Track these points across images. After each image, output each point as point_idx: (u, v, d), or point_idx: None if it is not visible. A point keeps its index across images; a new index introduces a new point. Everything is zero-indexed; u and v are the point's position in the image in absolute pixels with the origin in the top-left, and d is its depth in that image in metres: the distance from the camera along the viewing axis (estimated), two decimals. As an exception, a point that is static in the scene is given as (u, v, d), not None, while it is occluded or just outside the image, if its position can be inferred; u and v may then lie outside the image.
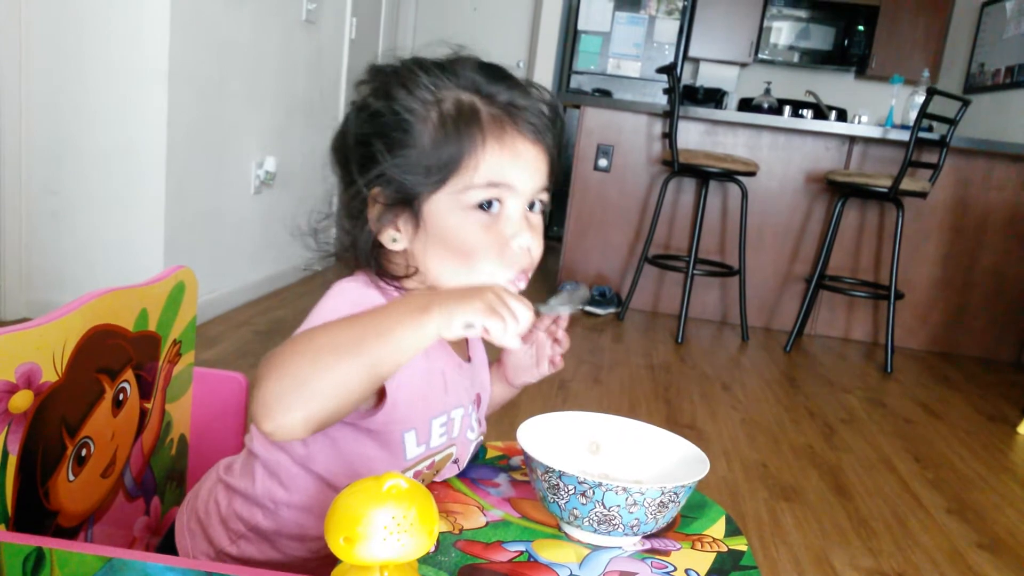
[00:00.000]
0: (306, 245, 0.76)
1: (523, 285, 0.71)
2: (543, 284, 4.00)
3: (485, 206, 0.69)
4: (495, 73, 0.71)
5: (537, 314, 0.70)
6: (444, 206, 0.69)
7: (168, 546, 0.81)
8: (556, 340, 0.85)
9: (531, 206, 0.72)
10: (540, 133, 0.70)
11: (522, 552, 0.67)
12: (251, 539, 0.76)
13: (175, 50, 2.30)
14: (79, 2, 2.26)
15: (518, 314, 0.60)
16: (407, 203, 0.69)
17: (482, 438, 0.85)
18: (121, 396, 0.79)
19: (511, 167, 0.68)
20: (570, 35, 5.66)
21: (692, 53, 5.57)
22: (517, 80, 0.72)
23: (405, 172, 0.68)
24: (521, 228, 0.70)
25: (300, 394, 0.58)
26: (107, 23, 2.27)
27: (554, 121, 0.72)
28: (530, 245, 0.70)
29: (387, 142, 0.69)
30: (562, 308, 0.76)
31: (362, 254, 0.72)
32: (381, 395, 0.69)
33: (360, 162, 0.70)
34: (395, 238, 0.71)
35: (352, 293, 0.70)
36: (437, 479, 0.79)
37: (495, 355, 0.90)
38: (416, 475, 0.75)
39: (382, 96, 0.70)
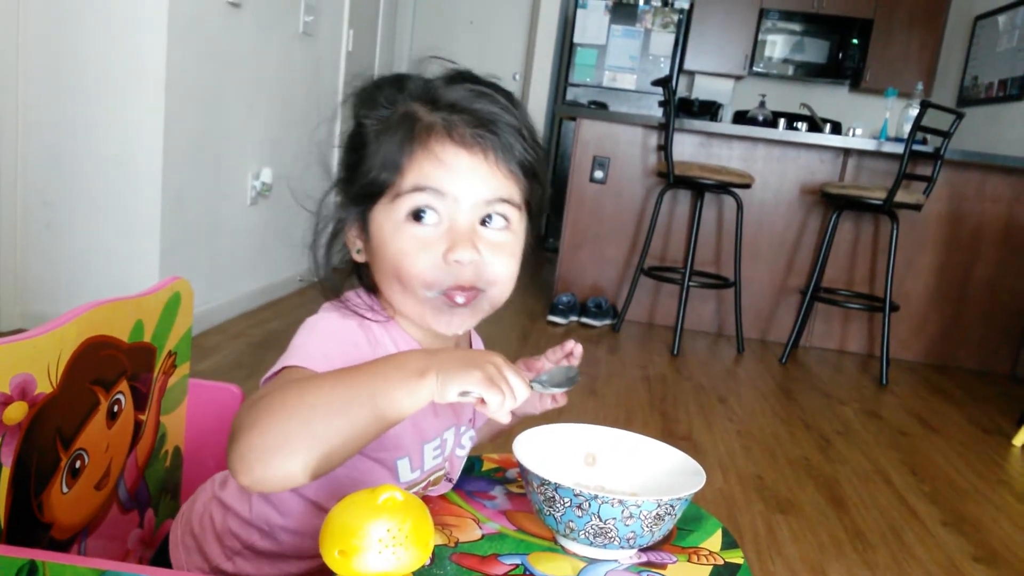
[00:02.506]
0: (308, 260, 0.76)
1: (462, 300, 0.67)
2: (539, 296, 4.00)
3: (417, 216, 0.67)
4: (452, 78, 0.70)
5: (539, 390, 0.70)
6: (382, 217, 0.68)
7: (161, 559, 0.81)
8: None
9: (487, 221, 0.68)
10: (483, 140, 0.66)
11: (518, 565, 0.67)
12: (247, 556, 0.75)
13: (172, 61, 2.31)
14: (76, 13, 2.26)
15: (515, 389, 0.59)
16: (361, 214, 0.70)
17: (472, 443, 0.84)
18: (116, 407, 0.79)
19: (438, 173, 0.66)
20: (566, 48, 5.68)
21: (687, 66, 5.60)
22: (473, 85, 0.69)
23: (354, 185, 0.70)
24: (459, 240, 0.66)
25: (282, 451, 0.55)
26: (104, 34, 2.28)
27: (518, 131, 0.68)
28: (472, 259, 0.66)
29: (350, 160, 0.71)
30: (554, 388, 0.75)
31: (326, 271, 0.73)
32: None
33: (338, 178, 0.73)
34: (359, 248, 0.73)
35: (328, 325, 0.69)
36: (431, 494, 0.79)
37: None
38: None
39: (353, 116, 0.72)
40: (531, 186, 0.71)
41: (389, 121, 0.68)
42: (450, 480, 0.80)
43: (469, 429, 0.81)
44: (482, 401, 0.58)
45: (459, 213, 0.67)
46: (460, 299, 0.67)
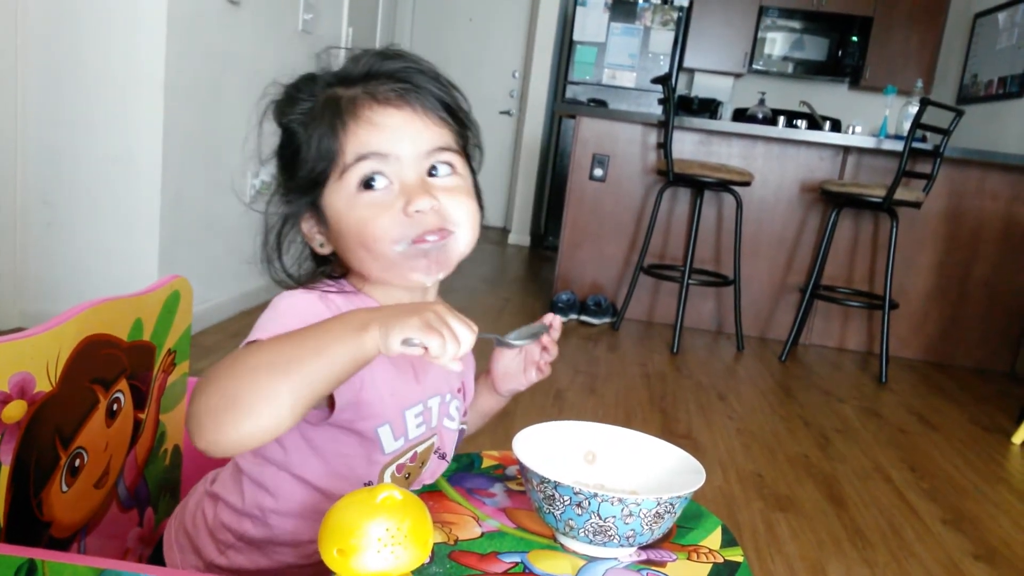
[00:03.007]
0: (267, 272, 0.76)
1: (434, 238, 0.69)
2: (539, 294, 4.01)
3: (368, 184, 0.69)
4: (355, 57, 0.73)
5: (500, 345, 0.70)
6: (334, 197, 0.70)
7: (157, 559, 0.81)
8: (545, 348, 0.85)
9: (432, 172, 0.71)
10: (406, 93, 0.69)
11: (517, 563, 0.67)
12: (240, 549, 0.75)
13: (171, 59, 2.31)
14: (75, 11, 2.26)
15: (459, 334, 0.59)
16: (314, 207, 0.72)
17: (465, 427, 0.84)
18: (115, 406, 0.79)
19: (375, 137, 0.68)
20: (565, 46, 5.68)
21: (687, 64, 5.60)
22: (373, 52, 0.72)
23: (296, 179, 0.71)
24: (414, 192, 0.68)
25: (232, 412, 0.57)
26: (103, 32, 2.27)
27: (433, 76, 0.71)
28: (431, 205, 0.68)
29: (285, 159, 0.73)
30: (519, 342, 0.75)
31: (282, 267, 0.74)
32: (331, 399, 0.69)
33: (279, 180, 0.75)
34: (321, 242, 0.74)
35: (290, 301, 0.70)
36: (426, 476, 0.79)
37: (484, 365, 0.90)
38: (400, 468, 0.75)
39: (276, 122, 0.74)
40: (462, 130, 0.74)
41: (313, 111, 0.71)
42: (442, 456, 0.80)
43: (456, 399, 0.81)
44: (426, 349, 0.58)
45: (405, 170, 0.69)
46: (432, 238, 0.69)
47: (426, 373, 0.76)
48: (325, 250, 0.74)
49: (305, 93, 0.72)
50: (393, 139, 0.69)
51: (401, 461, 0.75)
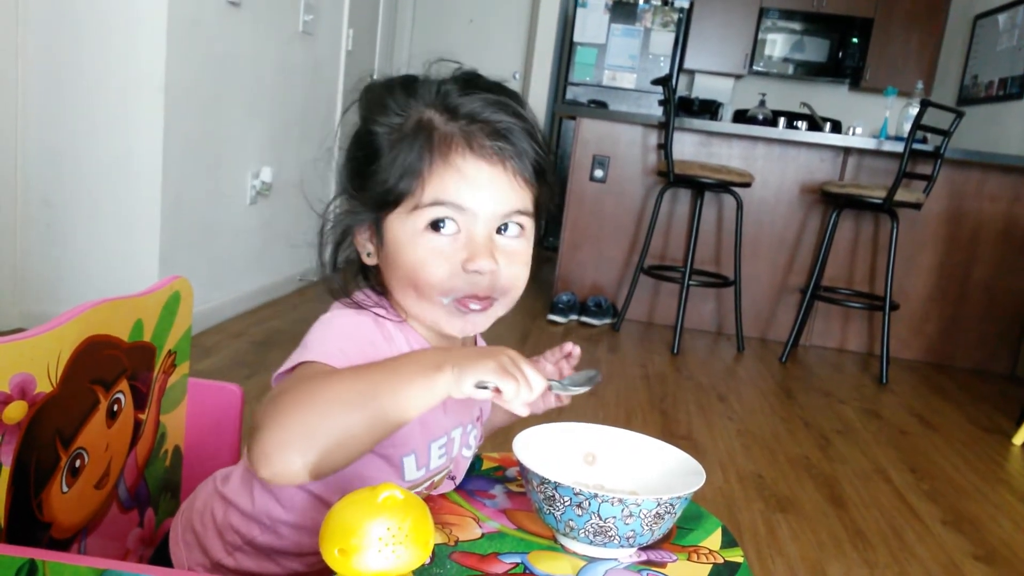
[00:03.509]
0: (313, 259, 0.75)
1: (477, 308, 0.69)
2: (539, 295, 4.00)
3: (436, 226, 0.67)
4: (466, 84, 0.70)
5: (558, 391, 0.71)
6: (398, 226, 0.69)
7: (161, 557, 0.81)
8: (563, 374, 0.84)
9: (502, 229, 0.69)
10: (502, 151, 0.67)
11: (518, 564, 0.67)
12: (248, 552, 0.75)
13: (172, 61, 2.31)
14: (76, 14, 2.26)
15: (531, 380, 0.59)
16: (375, 220, 0.70)
17: (478, 442, 0.85)
18: (115, 407, 0.79)
19: (459, 187, 0.66)
20: (566, 47, 5.68)
21: (687, 65, 5.60)
22: (488, 92, 0.69)
23: (368, 192, 0.69)
24: (478, 251, 0.67)
25: (304, 445, 0.56)
26: (104, 34, 2.28)
27: (531, 135, 0.69)
28: (490, 269, 0.67)
29: (359, 163, 0.70)
30: (576, 389, 0.74)
31: (332, 272, 0.73)
32: None
33: (346, 181, 0.73)
34: (369, 252, 0.73)
35: (344, 322, 0.70)
36: (434, 494, 0.79)
37: None
38: None
39: (361, 119, 0.71)
40: (542, 189, 0.72)
41: (403, 129, 0.68)
42: (453, 479, 0.80)
43: (475, 428, 0.81)
44: (498, 391, 0.59)
45: (478, 224, 0.67)
46: (475, 307, 0.69)
47: (453, 406, 0.76)
48: (371, 261, 0.73)
49: (399, 104, 0.69)
50: (476, 195, 0.67)
51: (417, 490, 0.75)
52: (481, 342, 0.85)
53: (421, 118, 0.68)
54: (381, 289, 0.74)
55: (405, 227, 0.68)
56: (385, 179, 0.68)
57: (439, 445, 0.74)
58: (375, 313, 0.71)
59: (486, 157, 0.67)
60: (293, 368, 0.65)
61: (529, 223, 0.71)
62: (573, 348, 0.84)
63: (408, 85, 0.70)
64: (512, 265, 0.70)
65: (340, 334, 0.68)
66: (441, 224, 0.67)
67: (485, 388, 0.59)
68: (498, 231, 0.69)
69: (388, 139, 0.68)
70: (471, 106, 0.68)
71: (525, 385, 0.59)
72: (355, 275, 0.76)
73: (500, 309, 0.72)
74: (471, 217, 0.67)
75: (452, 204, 0.66)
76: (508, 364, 0.59)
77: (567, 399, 0.84)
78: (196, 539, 0.78)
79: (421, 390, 0.59)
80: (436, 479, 0.77)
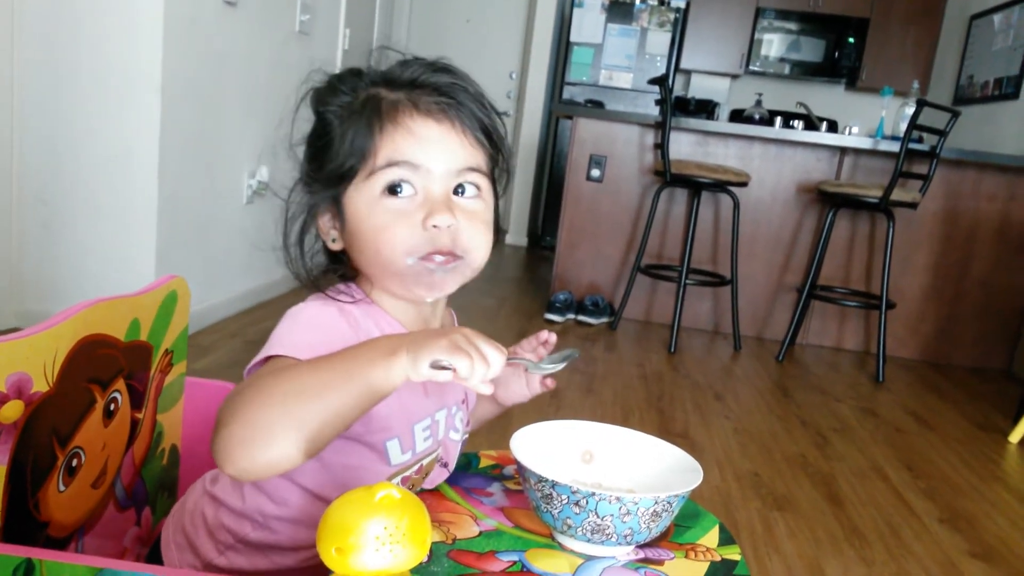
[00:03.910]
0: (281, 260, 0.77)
1: (441, 260, 0.69)
2: (536, 294, 4.01)
3: (393, 190, 0.69)
4: (407, 61, 0.73)
5: (532, 371, 0.70)
6: (357, 197, 0.70)
7: (154, 558, 0.81)
8: None
9: (459, 190, 0.71)
10: (448, 107, 0.69)
11: (515, 562, 0.67)
12: (240, 550, 0.75)
13: (168, 60, 2.30)
14: (72, 12, 2.26)
15: (488, 356, 0.59)
16: (335, 202, 0.72)
17: (467, 436, 0.85)
18: (112, 406, 0.79)
19: (411, 146, 0.68)
20: (562, 47, 5.68)
21: (684, 65, 5.60)
22: (424, 62, 0.72)
23: (325, 170, 0.71)
24: (436, 207, 0.68)
25: (264, 440, 0.57)
26: (100, 33, 2.27)
27: (474, 96, 0.71)
28: (449, 223, 0.68)
29: (314, 147, 0.73)
30: (550, 367, 0.75)
31: (302, 263, 0.75)
32: None
33: (305, 166, 0.75)
34: (334, 238, 0.74)
35: (310, 314, 0.70)
36: (427, 484, 0.79)
37: None
38: (404, 480, 0.75)
39: (314, 110, 0.74)
40: (494, 153, 0.74)
41: (353, 105, 0.71)
42: (445, 466, 0.80)
43: (460, 410, 0.81)
44: (456, 372, 0.59)
45: (433, 183, 0.69)
46: (439, 259, 0.69)
47: (436, 388, 0.76)
48: (336, 246, 0.74)
49: (348, 86, 0.72)
50: (428, 151, 0.68)
51: (406, 474, 0.75)
52: (455, 321, 0.86)
53: (369, 93, 0.71)
54: (352, 275, 0.76)
55: (363, 196, 0.70)
56: (337, 153, 0.70)
57: (423, 427, 0.75)
58: (340, 301, 0.72)
59: (433, 115, 0.69)
60: (262, 362, 0.66)
61: (486, 184, 0.73)
62: (549, 336, 0.84)
63: (355, 72, 0.73)
64: (471, 224, 0.70)
65: (306, 326, 0.69)
66: (398, 188, 0.69)
67: (445, 369, 0.59)
68: (456, 192, 0.70)
69: (338, 117, 0.71)
70: (412, 73, 0.71)
71: (480, 361, 0.58)
72: (324, 272, 0.76)
73: (466, 270, 0.72)
74: (426, 175, 0.69)
75: (406, 163, 0.68)
76: (461, 341, 0.59)
77: (553, 383, 0.84)
78: (187, 540, 0.78)
79: (377, 375, 0.59)
80: (425, 463, 0.76)
